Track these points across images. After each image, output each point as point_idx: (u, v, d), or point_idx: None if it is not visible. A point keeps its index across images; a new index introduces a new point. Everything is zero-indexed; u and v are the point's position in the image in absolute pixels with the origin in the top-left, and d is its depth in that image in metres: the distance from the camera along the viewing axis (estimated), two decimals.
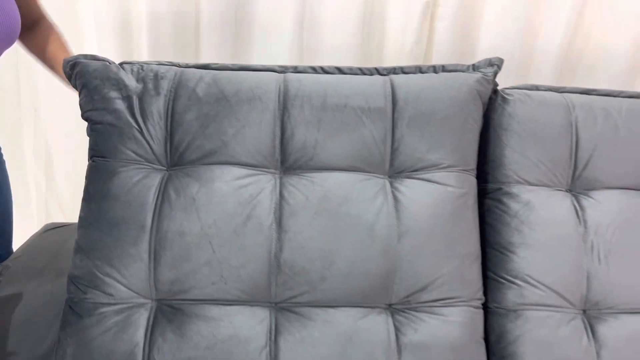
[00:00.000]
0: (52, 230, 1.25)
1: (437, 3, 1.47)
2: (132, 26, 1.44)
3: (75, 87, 0.94)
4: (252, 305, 0.86)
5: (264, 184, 0.89)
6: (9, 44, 0.94)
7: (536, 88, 1.04)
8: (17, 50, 1.19)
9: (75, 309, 0.84)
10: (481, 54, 1.51)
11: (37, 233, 1.23)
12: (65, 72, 0.94)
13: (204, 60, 1.47)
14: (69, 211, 1.64)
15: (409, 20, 1.46)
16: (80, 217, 0.88)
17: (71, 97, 1.01)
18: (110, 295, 0.84)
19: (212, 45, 1.46)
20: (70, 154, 1.55)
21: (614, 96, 1.03)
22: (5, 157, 1.13)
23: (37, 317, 0.94)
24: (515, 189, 0.96)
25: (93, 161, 0.90)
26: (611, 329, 0.89)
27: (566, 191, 0.97)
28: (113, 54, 1.47)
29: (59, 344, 0.83)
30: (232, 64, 0.98)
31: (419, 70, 1.00)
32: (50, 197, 1.63)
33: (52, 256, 1.10)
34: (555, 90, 1.03)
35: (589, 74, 1.53)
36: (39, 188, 1.62)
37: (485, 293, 0.94)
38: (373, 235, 0.87)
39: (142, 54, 1.46)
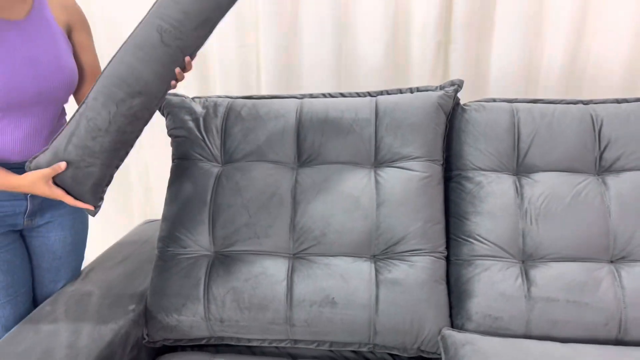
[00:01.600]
0: (148, 224, 1.72)
1: (449, 40, 1.76)
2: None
3: (162, 114, 1.40)
4: (277, 255, 1.25)
5: (285, 173, 1.30)
6: (69, 91, 1.19)
7: (493, 100, 1.38)
8: None
9: (161, 257, 1.28)
10: (493, 81, 1.77)
11: (137, 225, 1.72)
12: None
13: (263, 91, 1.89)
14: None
15: (425, 58, 1.76)
16: (165, 198, 1.33)
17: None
18: (184, 247, 1.27)
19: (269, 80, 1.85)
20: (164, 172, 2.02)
21: (555, 103, 1.35)
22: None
23: (139, 271, 1.38)
24: (470, 174, 1.30)
25: (174, 162, 1.36)
26: (540, 272, 1.19)
27: (511, 174, 1.30)
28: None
29: (151, 280, 1.27)
30: (267, 94, 1.42)
31: (399, 91, 1.38)
32: (148, 208, 2.12)
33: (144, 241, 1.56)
34: (507, 101, 1.37)
35: (592, 87, 1.72)
36: (139, 202, 2.12)
37: (448, 249, 1.28)
38: (358, 204, 1.24)
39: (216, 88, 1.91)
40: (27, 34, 1.10)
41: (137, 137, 1.07)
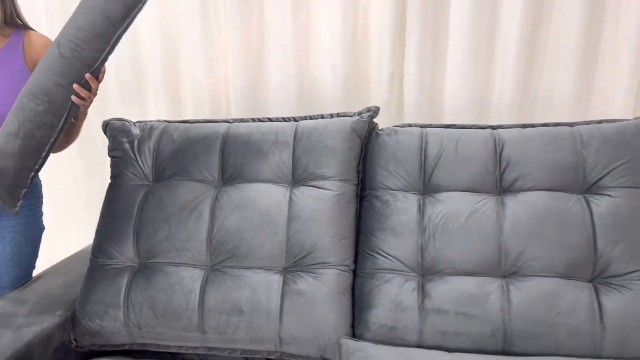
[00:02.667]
0: None
1: (402, 73, 1.84)
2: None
3: (107, 137, 1.52)
4: (194, 267, 1.35)
5: (208, 191, 1.40)
6: None
7: (408, 125, 1.48)
8: None
9: (91, 268, 1.38)
10: (447, 109, 1.83)
11: None
12: (103, 128, 1.54)
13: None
14: None
15: (381, 87, 1.85)
16: (100, 214, 1.44)
17: None
18: (111, 259, 1.38)
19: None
20: None
21: (466, 128, 1.44)
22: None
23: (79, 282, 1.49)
24: (380, 193, 1.39)
25: (110, 180, 1.48)
26: (435, 285, 1.26)
27: (417, 194, 1.38)
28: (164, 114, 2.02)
29: (81, 289, 1.37)
30: (202, 119, 1.53)
31: (321, 116, 1.48)
32: None
33: None
34: (420, 126, 1.46)
35: (544, 115, 1.77)
36: None
37: (356, 263, 1.36)
38: (271, 220, 1.34)
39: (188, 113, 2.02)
40: None
41: (49, 143, 1.19)
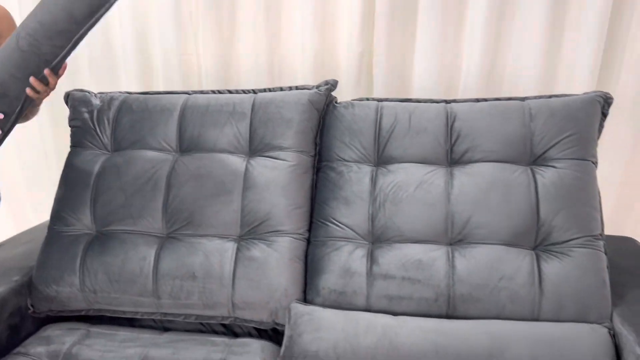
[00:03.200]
0: None
1: (372, 52, 1.86)
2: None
3: (69, 108, 1.53)
4: (149, 235, 1.37)
5: (165, 160, 1.42)
6: None
7: (366, 99, 1.50)
8: None
9: (48, 234, 1.40)
10: (416, 86, 1.84)
11: None
12: (64, 99, 1.54)
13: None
14: None
15: (350, 66, 1.87)
16: (58, 182, 1.46)
17: None
18: (68, 226, 1.39)
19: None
20: None
21: (421, 102, 1.47)
22: None
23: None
24: (335, 164, 1.42)
25: (70, 149, 1.49)
26: (383, 252, 1.29)
27: (371, 165, 1.41)
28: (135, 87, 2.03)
29: (38, 256, 1.38)
30: (161, 91, 1.55)
31: (280, 89, 1.50)
32: None
33: None
34: (377, 100, 1.49)
35: (510, 90, 1.78)
36: None
37: (310, 231, 1.38)
38: (224, 189, 1.36)
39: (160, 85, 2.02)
40: None
41: (1, 134, 1.18)
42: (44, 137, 2.17)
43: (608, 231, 1.33)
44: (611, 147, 1.73)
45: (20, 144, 2.20)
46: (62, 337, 1.29)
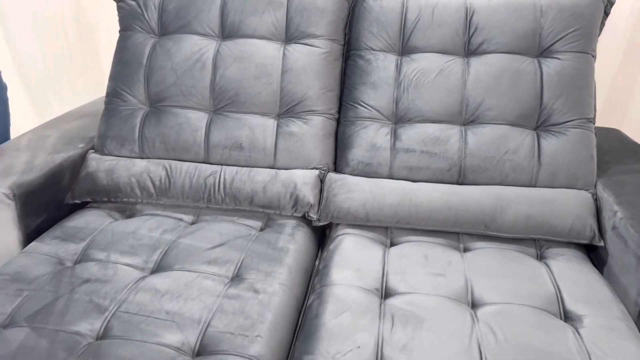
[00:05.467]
0: None
1: None
2: None
3: None
4: (198, 110, 1.55)
5: (209, 44, 1.57)
6: None
7: None
8: None
9: (106, 109, 1.57)
10: None
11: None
12: None
13: None
14: None
15: None
16: (112, 62, 1.61)
17: None
18: (124, 101, 1.56)
19: None
20: None
21: None
22: None
23: (94, 124, 1.67)
24: (363, 53, 1.58)
25: (120, 33, 1.62)
26: (405, 130, 1.49)
27: (396, 54, 1.57)
28: None
29: (98, 127, 1.56)
30: None
31: None
32: None
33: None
34: None
35: None
36: None
37: (340, 112, 1.57)
38: (266, 72, 1.52)
39: None
40: None
41: None
42: (67, 30, 2.28)
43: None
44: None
45: (42, 36, 2.32)
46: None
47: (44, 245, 1.27)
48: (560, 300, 1.15)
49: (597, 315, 1.09)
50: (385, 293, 1.17)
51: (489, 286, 1.18)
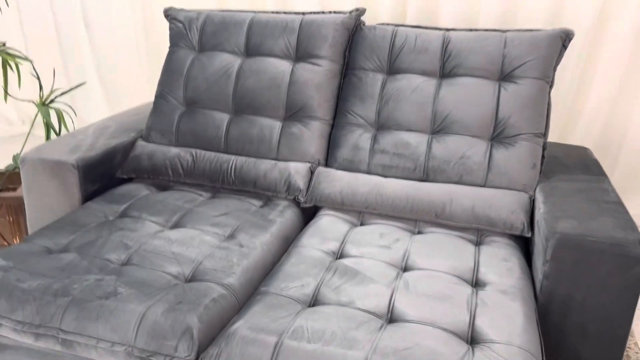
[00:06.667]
0: None
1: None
2: None
3: (167, 19, 2.11)
4: (222, 112, 1.96)
5: (235, 60, 1.98)
6: None
7: (387, 24, 1.99)
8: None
9: (155, 106, 2.02)
10: (483, 17, 2.33)
11: None
12: (164, 13, 2.12)
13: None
14: None
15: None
16: (161, 72, 2.06)
17: None
18: (167, 102, 2.01)
19: None
20: None
21: (426, 28, 1.94)
22: None
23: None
24: (357, 72, 1.94)
25: (169, 49, 2.08)
26: (383, 135, 1.83)
27: (384, 74, 1.92)
28: None
29: (148, 119, 2.02)
30: (234, 9, 2.09)
31: (322, 12, 2.01)
32: None
33: None
34: (395, 25, 1.97)
35: (523, 23, 2.28)
36: None
37: (334, 120, 1.94)
38: (276, 83, 1.92)
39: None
40: None
41: None
42: (139, 46, 2.82)
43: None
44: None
45: (120, 50, 2.89)
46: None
47: (96, 204, 1.72)
48: (476, 272, 1.44)
49: (500, 284, 1.38)
50: (340, 256, 1.52)
51: (422, 258, 1.49)
